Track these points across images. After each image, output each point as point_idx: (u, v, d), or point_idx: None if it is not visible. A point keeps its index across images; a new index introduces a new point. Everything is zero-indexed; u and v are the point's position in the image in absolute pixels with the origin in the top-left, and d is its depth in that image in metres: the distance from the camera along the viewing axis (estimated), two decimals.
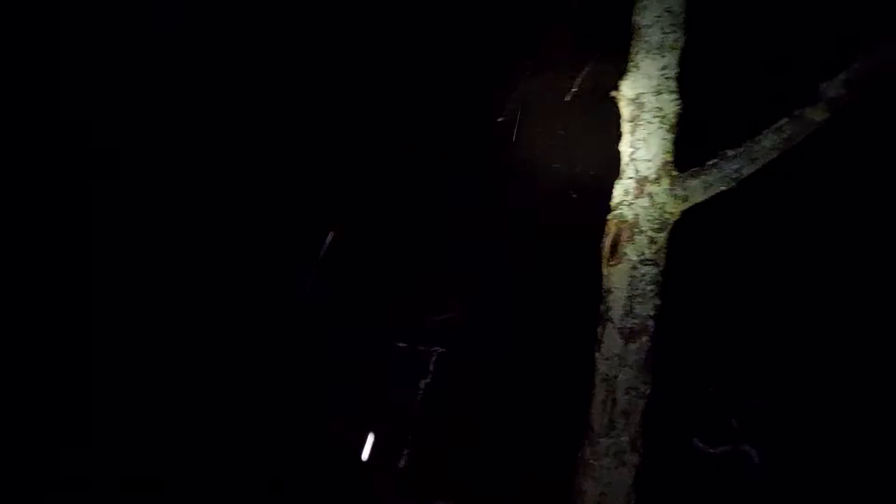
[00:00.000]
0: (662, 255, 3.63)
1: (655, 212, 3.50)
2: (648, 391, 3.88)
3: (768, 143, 3.29)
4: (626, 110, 3.47)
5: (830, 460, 5.07)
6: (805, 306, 6.56)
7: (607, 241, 3.68)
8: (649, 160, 3.45)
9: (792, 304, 6.63)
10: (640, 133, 3.46)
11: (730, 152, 3.39)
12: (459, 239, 6.21)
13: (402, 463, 5.19)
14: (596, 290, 3.82)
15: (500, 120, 6.63)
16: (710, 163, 3.44)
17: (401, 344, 5.75)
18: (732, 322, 6.39)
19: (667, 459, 5.07)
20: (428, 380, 5.59)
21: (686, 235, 3.96)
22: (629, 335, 3.71)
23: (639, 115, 3.45)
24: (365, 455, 5.06)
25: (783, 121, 3.32)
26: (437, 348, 5.80)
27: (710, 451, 5.30)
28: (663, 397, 4.44)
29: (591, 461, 3.99)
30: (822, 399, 5.54)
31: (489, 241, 6.26)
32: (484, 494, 4.95)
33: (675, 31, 3.41)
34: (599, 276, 3.79)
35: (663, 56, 3.41)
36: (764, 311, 6.58)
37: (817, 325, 6.35)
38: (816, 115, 3.30)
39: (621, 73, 3.53)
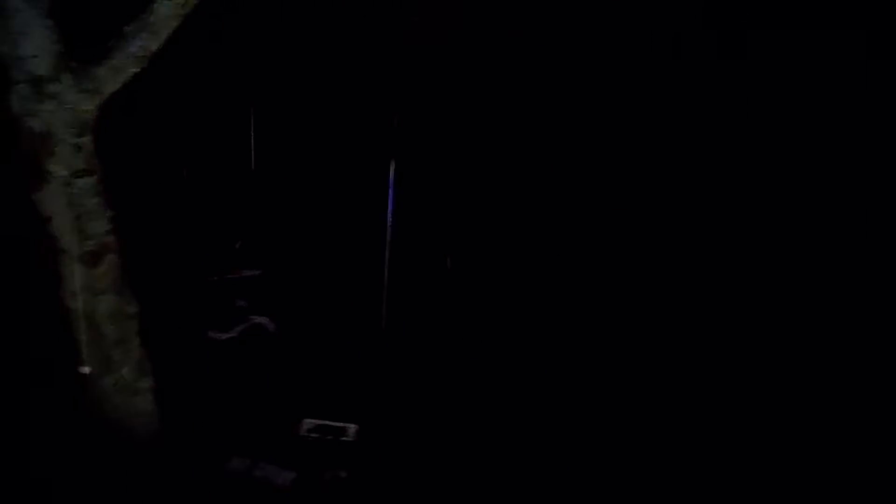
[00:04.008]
0: (96, 160, 3.18)
1: (68, 115, 2.99)
2: (137, 309, 3.55)
3: (165, 11, 3.01)
4: None
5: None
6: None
7: (24, 163, 3.07)
8: (37, 56, 2.87)
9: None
10: (16, 24, 2.84)
11: (127, 28, 3.02)
12: None
13: None
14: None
15: None
16: (110, 45, 3.03)
17: None
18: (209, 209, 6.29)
19: (189, 361, 4.90)
20: None
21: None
22: (91, 260, 3.26)
23: (5, 3, 2.80)
24: None
25: None
26: None
27: (226, 335, 5.29)
28: (163, 304, 4.16)
29: (102, 402, 3.57)
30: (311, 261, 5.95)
31: None
32: None
33: None
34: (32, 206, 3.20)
35: None
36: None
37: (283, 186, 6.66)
38: None
39: None
